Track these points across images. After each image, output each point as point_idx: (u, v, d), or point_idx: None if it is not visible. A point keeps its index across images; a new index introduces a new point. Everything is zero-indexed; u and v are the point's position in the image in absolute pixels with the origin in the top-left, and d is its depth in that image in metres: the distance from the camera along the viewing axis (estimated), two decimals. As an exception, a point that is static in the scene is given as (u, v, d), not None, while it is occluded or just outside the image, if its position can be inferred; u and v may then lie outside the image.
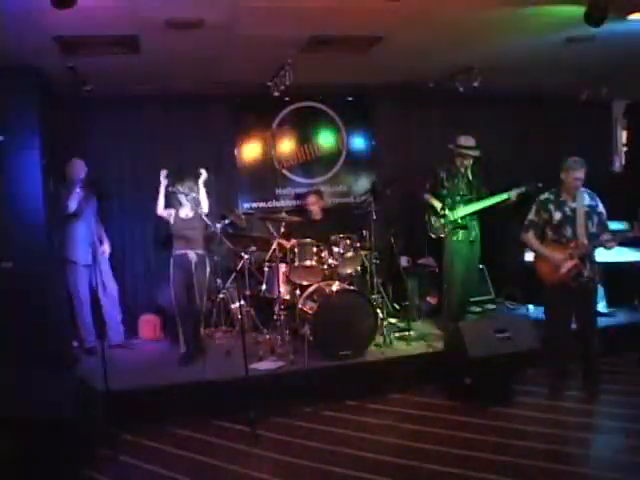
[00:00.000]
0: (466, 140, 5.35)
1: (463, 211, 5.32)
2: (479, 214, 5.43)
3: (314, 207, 5.95)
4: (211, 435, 4.01)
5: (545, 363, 4.57)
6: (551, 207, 4.35)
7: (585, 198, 4.33)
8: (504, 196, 5.27)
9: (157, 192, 5.00)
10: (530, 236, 4.44)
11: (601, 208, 4.33)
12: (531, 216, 4.45)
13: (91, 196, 5.31)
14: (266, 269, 5.43)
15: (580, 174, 4.24)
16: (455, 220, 5.29)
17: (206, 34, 4.16)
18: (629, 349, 5.13)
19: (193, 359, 4.94)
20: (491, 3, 3.92)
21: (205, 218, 4.94)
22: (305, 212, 6.03)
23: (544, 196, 4.42)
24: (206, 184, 5.09)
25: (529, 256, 6.23)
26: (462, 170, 5.39)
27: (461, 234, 5.32)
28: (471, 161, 5.39)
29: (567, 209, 4.31)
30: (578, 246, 4.24)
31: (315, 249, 5.30)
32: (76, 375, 4.44)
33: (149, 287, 6.12)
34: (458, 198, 5.35)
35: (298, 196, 6.47)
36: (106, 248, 5.55)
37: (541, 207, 4.40)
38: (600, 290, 5.17)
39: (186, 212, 5.07)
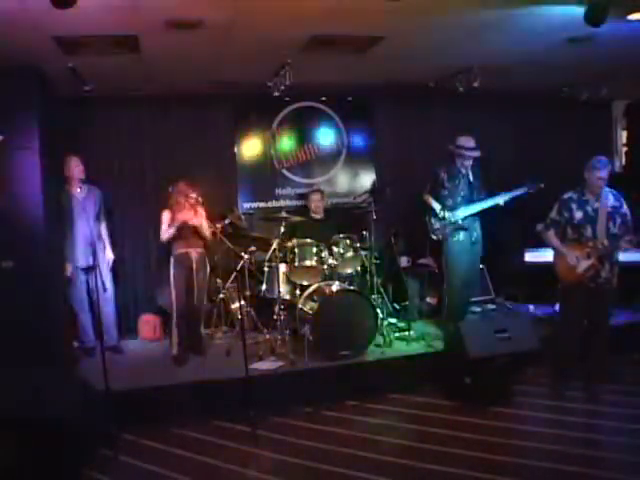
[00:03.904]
0: (466, 141, 5.32)
1: (464, 212, 5.31)
2: (480, 215, 5.42)
3: (318, 205, 5.94)
4: (211, 435, 4.01)
5: (550, 362, 4.58)
6: (573, 206, 4.32)
7: (610, 198, 4.29)
8: (496, 200, 5.27)
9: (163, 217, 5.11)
10: (550, 234, 4.42)
11: (625, 209, 4.29)
12: (553, 214, 4.43)
13: (91, 195, 5.32)
14: (266, 269, 5.43)
15: (603, 173, 4.20)
16: (456, 221, 5.29)
17: (206, 34, 4.16)
18: (629, 349, 5.13)
19: (186, 360, 4.96)
20: (491, 3, 3.92)
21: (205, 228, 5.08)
22: (306, 212, 6.03)
23: (567, 195, 4.38)
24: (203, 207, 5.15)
25: (529, 256, 6.28)
26: (463, 171, 5.37)
27: (462, 235, 5.31)
28: (471, 162, 5.38)
29: (589, 209, 4.28)
30: (596, 246, 4.22)
31: (315, 249, 5.31)
32: (76, 375, 4.45)
33: (149, 287, 6.13)
34: (459, 199, 5.33)
35: (300, 196, 6.47)
36: (108, 254, 5.44)
37: (563, 206, 4.37)
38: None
39: (185, 213, 5.07)
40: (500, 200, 5.25)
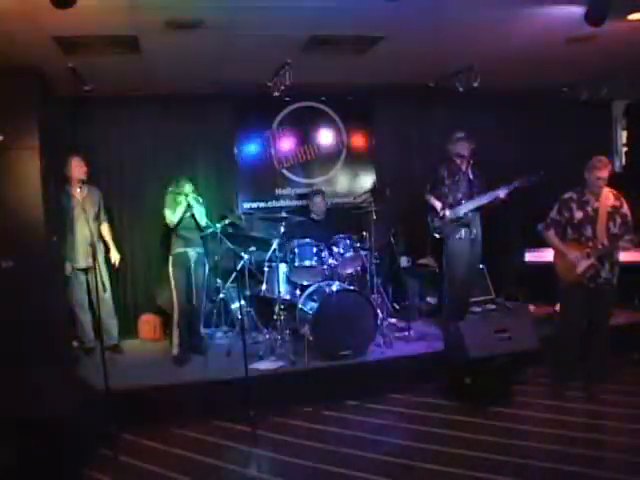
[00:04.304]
0: (458, 133, 5.37)
1: (465, 208, 5.31)
2: (481, 212, 5.42)
3: (320, 207, 5.94)
4: (211, 435, 4.01)
5: (550, 362, 4.59)
6: (573, 206, 4.32)
7: (610, 198, 4.28)
8: (497, 193, 5.25)
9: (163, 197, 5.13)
10: (551, 234, 4.43)
11: (625, 209, 4.29)
12: (553, 214, 4.43)
13: (91, 195, 5.32)
14: (266, 269, 5.43)
15: (603, 173, 4.19)
16: (457, 218, 5.28)
17: (206, 34, 4.16)
18: (629, 349, 5.13)
19: (187, 360, 4.96)
20: (491, 3, 3.92)
21: (203, 223, 5.10)
22: (307, 212, 6.03)
23: (567, 195, 4.38)
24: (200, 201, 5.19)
25: (529, 256, 6.27)
26: (463, 168, 5.39)
27: (463, 232, 5.31)
28: (470, 159, 5.38)
29: (589, 209, 4.28)
30: (596, 246, 4.23)
31: (315, 249, 5.31)
32: (76, 375, 4.45)
33: (149, 287, 6.12)
34: (460, 195, 5.34)
35: (301, 196, 6.47)
36: (114, 254, 5.46)
37: (563, 206, 4.37)
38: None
39: (184, 212, 5.08)
40: (501, 193, 5.24)
